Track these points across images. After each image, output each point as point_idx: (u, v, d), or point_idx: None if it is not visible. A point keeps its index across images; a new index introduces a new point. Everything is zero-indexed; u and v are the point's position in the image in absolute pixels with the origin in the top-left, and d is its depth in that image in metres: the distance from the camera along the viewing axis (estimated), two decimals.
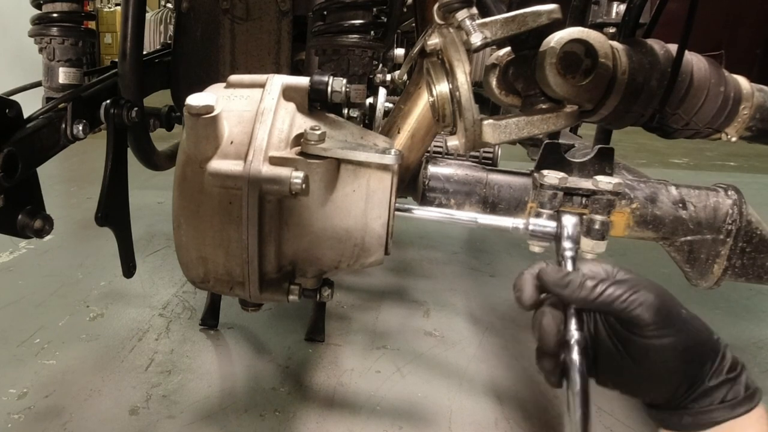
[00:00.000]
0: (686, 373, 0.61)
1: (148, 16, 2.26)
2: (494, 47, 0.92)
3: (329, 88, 0.83)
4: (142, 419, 1.39)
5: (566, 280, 0.64)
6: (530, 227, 0.76)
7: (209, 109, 0.75)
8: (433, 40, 0.83)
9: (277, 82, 0.83)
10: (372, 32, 1.12)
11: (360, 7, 1.08)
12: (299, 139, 0.79)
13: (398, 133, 0.95)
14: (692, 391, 0.62)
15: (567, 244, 0.73)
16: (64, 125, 1.00)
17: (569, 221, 0.74)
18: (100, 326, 1.79)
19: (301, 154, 0.78)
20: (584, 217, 0.96)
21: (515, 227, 0.77)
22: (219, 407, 1.45)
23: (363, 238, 0.81)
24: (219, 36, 1.37)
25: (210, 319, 1.80)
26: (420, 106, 0.94)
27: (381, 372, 1.62)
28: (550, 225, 0.76)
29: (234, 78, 0.87)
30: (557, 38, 0.82)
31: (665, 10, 1.10)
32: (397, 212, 0.81)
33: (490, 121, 0.82)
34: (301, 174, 0.74)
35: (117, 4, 6.95)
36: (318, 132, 0.77)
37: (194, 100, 0.74)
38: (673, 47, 0.91)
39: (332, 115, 0.88)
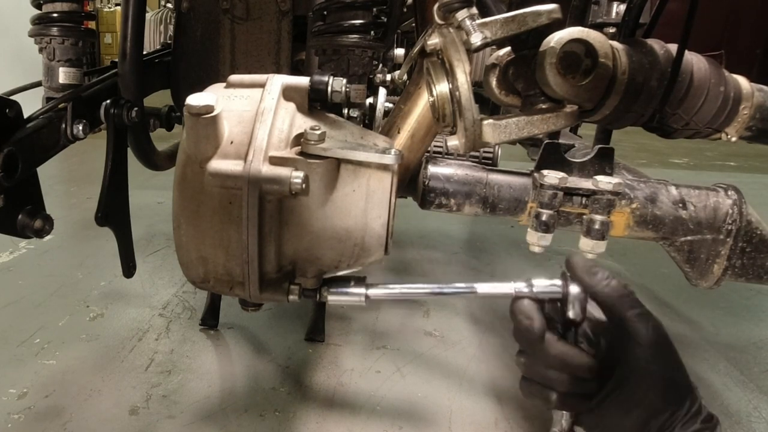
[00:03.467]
0: (661, 408, 0.59)
1: (148, 16, 2.26)
2: (494, 47, 0.92)
3: (329, 88, 0.83)
4: (142, 419, 1.39)
5: (595, 269, 0.65)
6: (534, 290, 0.68)
7: (209, 109, 0.75)
8: (433, 40, 0.83)
9: (277, 82, 0.83)
10: (372, 32, 1.12)
11: (360, 7, 1.08)
12: (299, 139, 0.79)
13: (398, 133, 0.95)
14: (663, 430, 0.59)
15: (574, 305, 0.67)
16: (64, 125, 1.00)
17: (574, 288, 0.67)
18: (100, 326, 1.79)
19: (301, 154, 0.78)
20: (584, 217, 0.96)
21: (519, 292, 0.68)
22: (219, 407, 1.45)
23: (363, 237, 0.81)
24: (219, 36, 1.37)
25: (210, 319, 1.80)
26: (420, 106, 0.94)
27: (381, 372, 1.62)
28: (555, 285, 0.68)
29: (234, 78, 0.87)
30: (557, 38, 0.82)
31: (665, 10, 1.10)
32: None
33: (490, 121, 0.82)
34: (301, 174, 0.74)
35: (117, 4, 6.95)
36: (318, 132, 0.77)
37: (194, 100, 0.74)
38: (673, 47, 0.91)
39: (332, 115, 0.87)
